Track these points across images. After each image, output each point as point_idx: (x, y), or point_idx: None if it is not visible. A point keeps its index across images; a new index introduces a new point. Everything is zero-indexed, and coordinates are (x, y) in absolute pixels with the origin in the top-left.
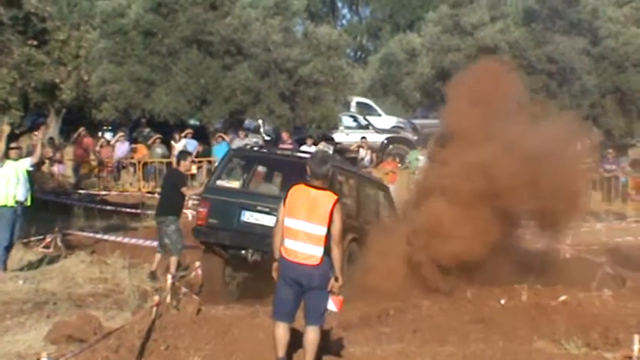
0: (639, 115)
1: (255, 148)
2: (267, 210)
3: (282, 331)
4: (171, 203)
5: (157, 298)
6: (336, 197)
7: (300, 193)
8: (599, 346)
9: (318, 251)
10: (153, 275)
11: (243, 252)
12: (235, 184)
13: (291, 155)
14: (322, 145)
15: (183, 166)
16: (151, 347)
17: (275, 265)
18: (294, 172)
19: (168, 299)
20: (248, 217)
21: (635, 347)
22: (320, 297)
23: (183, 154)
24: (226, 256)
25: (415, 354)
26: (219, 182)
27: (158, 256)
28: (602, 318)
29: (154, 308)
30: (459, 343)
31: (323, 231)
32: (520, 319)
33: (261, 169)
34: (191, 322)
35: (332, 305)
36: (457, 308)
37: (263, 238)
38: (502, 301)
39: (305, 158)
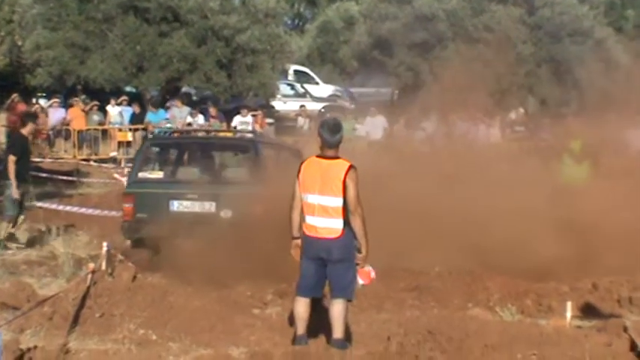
0: (574, 84)
1: (171, 133)
2: (196, 197)
3: (302, 307)
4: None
5: (91, 265)
6: (348, 164)
7: (312, 165)
8: (532, 314)
9: (337, 224)
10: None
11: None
12: (159, 174)
13: (210, 136)
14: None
15: (30, 128)
16: (86, 314)
17: (294, 242)
18: (216, 153)
19: (103, 266)
20: (178, 206)
21: (568, 314)
22: (342, 270)
23: (30, 116)
24: (158, 249)
25: (351, 321)
26: (141, 174)
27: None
28: (537, 285)
29: (89, 275)
30: (394, 310)
31: (339, 202)
32: (455, 287)
33: (182, 154)
34: (126, 290)
35: (359, 279)
36: (393, 276)
37: (196, 225)
38: (437, 269)
39: (226, 138)
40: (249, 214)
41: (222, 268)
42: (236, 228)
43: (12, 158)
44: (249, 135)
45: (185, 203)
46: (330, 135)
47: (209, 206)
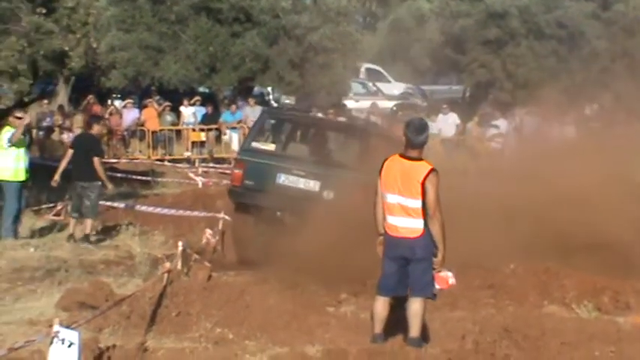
0: None
1: (290, 110)
2: (302, 174)
3: (381, 306)
4: (92, 169)
5: (167, 264)
6: (429, 167)
7: (393, 165)
8: (610, 311)
9: (417, 223)
10: (84, 238)
11: (278, 213)
12: (271, 147)
13: (327, 118)
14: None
15: (97, 129)
16: (163, 313)
17: (379, 239)
18: (329, 135)
19: (179, 266)
20: (284, 180)
21: None
22: (423, 269)
23: (96, 118)
24: (259, 216)
25: (426, 319)
26: (254, 144)
27: (73, 220)
28: (614, 282)
29: (165, 275)
30: (469, 308)
31: (418, 204)
32: (530, 284)
33: (296, 131)
34: (202, 289)
35: (436, 284)
36: (467, 274)
37: (298, 201)
38: (512, 266)
39: (341, 122)
40: (349, 200)
41: (310, 254)
42: (334, 211)
43: (99, 159)
44: (363, 123)
45: (291, 178)
46: (415, 135)
47: (314, 185)
